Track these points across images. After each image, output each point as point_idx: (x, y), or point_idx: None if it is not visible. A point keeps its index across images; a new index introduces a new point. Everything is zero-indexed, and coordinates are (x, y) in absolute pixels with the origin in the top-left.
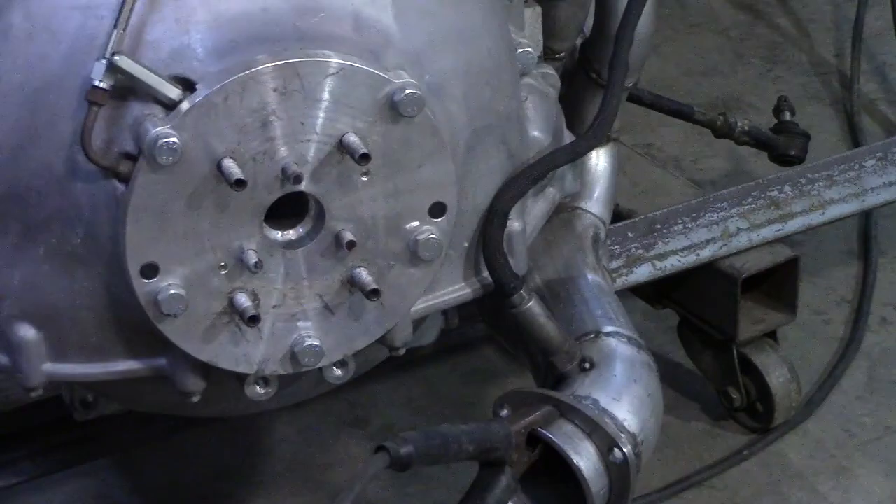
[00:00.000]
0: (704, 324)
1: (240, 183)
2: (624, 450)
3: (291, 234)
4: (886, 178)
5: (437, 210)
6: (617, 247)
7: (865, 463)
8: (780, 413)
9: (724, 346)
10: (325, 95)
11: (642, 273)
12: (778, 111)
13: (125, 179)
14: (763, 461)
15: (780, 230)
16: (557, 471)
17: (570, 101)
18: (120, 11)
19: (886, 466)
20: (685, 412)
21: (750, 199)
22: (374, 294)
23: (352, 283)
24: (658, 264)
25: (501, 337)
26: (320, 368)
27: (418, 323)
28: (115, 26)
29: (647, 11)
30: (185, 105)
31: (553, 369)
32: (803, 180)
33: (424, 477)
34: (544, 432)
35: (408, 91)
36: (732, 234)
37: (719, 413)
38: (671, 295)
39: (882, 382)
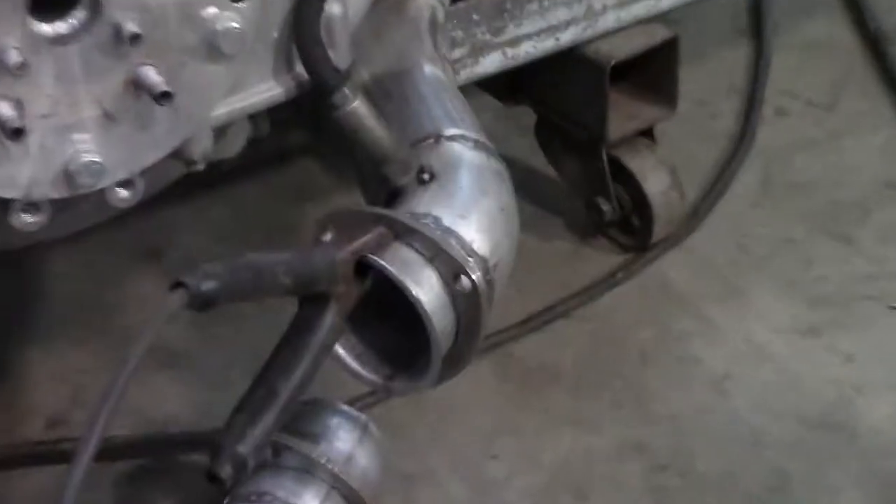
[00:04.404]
0: (567, 122)
1: None
2: (473, 276)
3: (62, 26)
4: None
5: None
6: (460, 32)
7: (760, 282)
8: (659, 226)
9: (591, 148)
10: None
11: (491, 63)
12: None
13: None
14: (640, 284)
15: (654, 5)
16: (394, 305)
17: None
18: None
19: (784, 286)
20: (547, 230)
21: None
22: (164, 97)
23: (137, 85)
24: (509, 52)
25: (323, 146)
26: (102, 190)
27: (220, 131)
28: None
29: None
30: None
31: (386, 183)
32: None
33: (234, 316)
34: (376, 259)
35: None
36: (598, 12)
37: (588, 230)
38: (527, 89)
39: (779, 186)
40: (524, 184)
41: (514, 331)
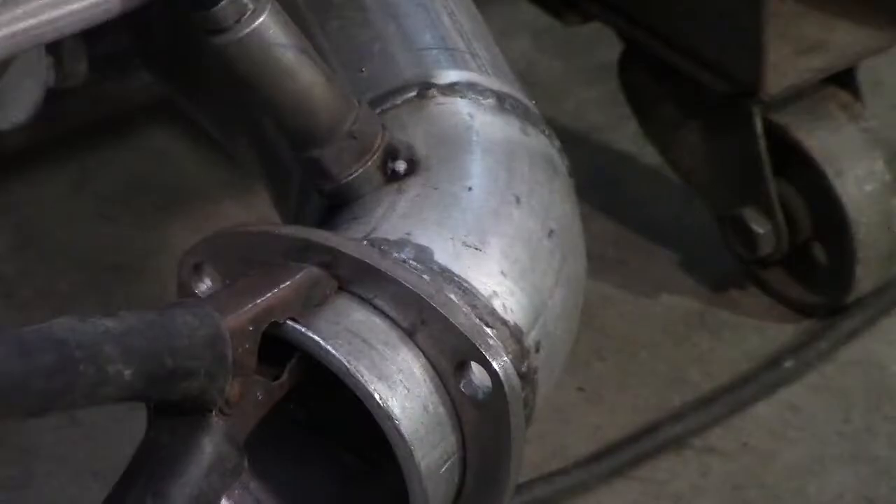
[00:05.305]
0: (684, 59)
1: None
2: (494, 365)
3: None
4: None
5: None
6: None
7: None
8: (867, 267)
9: (731, 110)
10: None
11: None
12: None
13: None
14: (832, 381)
15: None
16: (338, 421)
17: None
18: None
19: None
20: (646, 273)
21: None
22: None
23: None
24: None
25: (195, 109)
26: None
27: None
28: None
29: None
30: None
31: (322, 178)
32: None
33: (23, 447)
34: (301, 329)
35: None
36: None
37: (726, 270)
38: None
39: None
40: (600, 178)
41: (579, 474)
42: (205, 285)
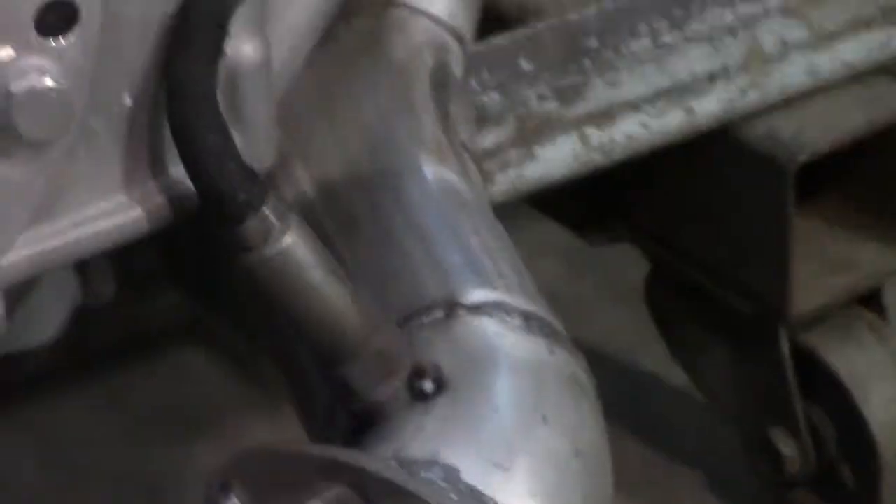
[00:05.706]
0: (710, 279)
1: None
2: None
3: None
4: None
5: (58, 18)
6: (496, 96)
7: None
8: (892, 491)
9: (758, 330)
10: None
11: (558, 158)
12: None
13: None
14: None
15: (886, 43)
16: None
17: None
18: None
19: None
20: (676, 493)
21: None
22: None
23: None
24: (594, 136)
25: (221, 325)
26: None
27: (17, 297)
28: None
29: None
30: None
31: (349, 396)
32: None
33: None
34: None
35: None
36: (770, 58)
37: (754, 492)
38: (629, 211)
39: None
40: (628, 399)
41: None
42: None
